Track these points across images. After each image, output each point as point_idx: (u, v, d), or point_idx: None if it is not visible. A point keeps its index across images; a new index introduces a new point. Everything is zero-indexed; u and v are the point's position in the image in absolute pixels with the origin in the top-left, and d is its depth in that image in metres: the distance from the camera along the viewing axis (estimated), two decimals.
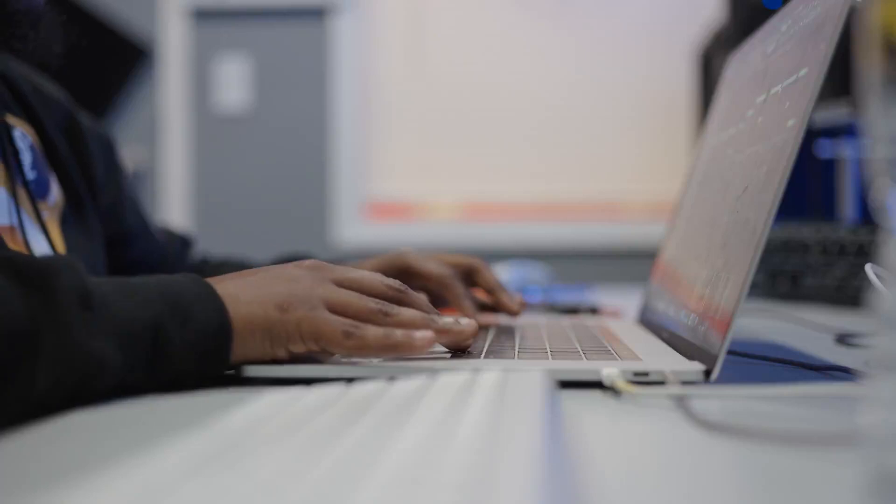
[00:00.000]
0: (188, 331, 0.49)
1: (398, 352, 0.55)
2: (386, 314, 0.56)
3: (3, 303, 0.42)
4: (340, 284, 0.57)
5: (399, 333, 0.55)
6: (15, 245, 0.64)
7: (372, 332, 0.54)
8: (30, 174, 0.69)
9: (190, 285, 0.51)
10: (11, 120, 0.70)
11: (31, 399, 0.42)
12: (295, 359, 0.55)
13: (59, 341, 0.43)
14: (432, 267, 0.81)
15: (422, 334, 0.55)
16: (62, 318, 0.43)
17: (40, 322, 0.43)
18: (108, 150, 0.83)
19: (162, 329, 0.48)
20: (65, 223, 0.72)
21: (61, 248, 0.70)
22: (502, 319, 0.86)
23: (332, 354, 0.56)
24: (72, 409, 0.45)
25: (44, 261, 0.46)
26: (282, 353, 0.54)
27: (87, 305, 0.45)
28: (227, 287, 0.53)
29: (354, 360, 0.56)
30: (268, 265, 0.59)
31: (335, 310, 0.55)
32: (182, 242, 0.96)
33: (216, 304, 0.51)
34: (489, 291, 0.85)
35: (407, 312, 0.57)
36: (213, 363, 0.51)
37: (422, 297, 0.61)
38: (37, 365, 0.42)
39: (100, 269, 0.76)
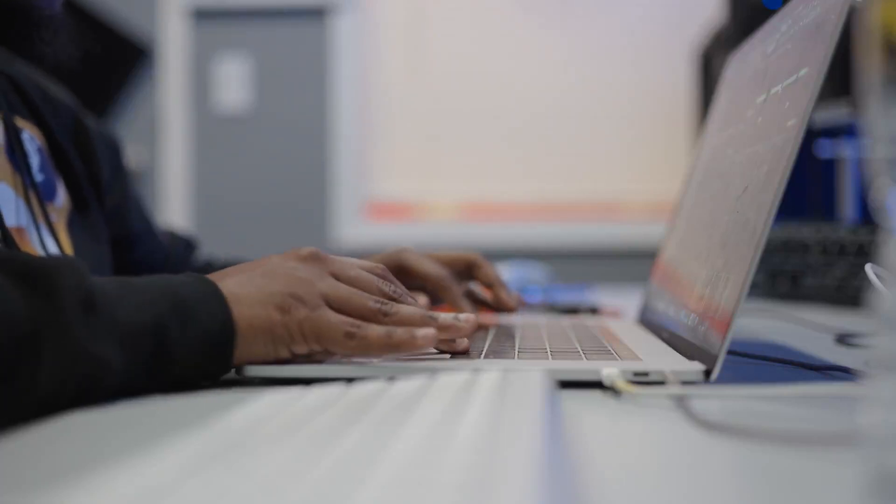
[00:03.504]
0: (191, 331, 0.49)
1: (400, 351, 0.54)
2: (385, 314, 0.55)
3: (3, 303, 0.42)
4: (338, 279, 0.56)
5: (401, 332, 0.54)
6: (25, 247, 0.64)
7: (374, 331, 0.53)
8: (38, 176, 0.69)
9: (194, 285, 0.51)
10: (20, 122, 0.70)
11: (33, 401, 0.42)
12: (295, 359, 0.54)
13: (61, 343, 0.43)
14: (430, 268, 0.81)
15: (424, 332, 0.54)
16: (64, 319, 0.43)
17: (41, 324, 0.42)
18: (115, 152, 0.83)
19: (165, 330, 0.48)
20: (71, 226, 0.72)
21: (69, 250, 0.69)
22: (502, 319, 0.86)
23: (334, 354, 0.55)
24: (72, 409, 0.45)
25: (46, 261, 0.45)
26: (284, 354, 0.53)
27: (90, 307, 0.44)
28: (228, 285, 0.52)
29: (355, 359, 0.56)
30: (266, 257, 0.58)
31: (336, 306, 0.54)
32: (186, 245, 0.96)
33: (220, 304, 0.51)
34: (488, 286, 0.86)
35: (406, 310, 0.56)
36: (216, 364, 0.51)
37: (419, 300, 0.60)
38: (38, 367, 0.42)
39: (106, 272, 0.76)
